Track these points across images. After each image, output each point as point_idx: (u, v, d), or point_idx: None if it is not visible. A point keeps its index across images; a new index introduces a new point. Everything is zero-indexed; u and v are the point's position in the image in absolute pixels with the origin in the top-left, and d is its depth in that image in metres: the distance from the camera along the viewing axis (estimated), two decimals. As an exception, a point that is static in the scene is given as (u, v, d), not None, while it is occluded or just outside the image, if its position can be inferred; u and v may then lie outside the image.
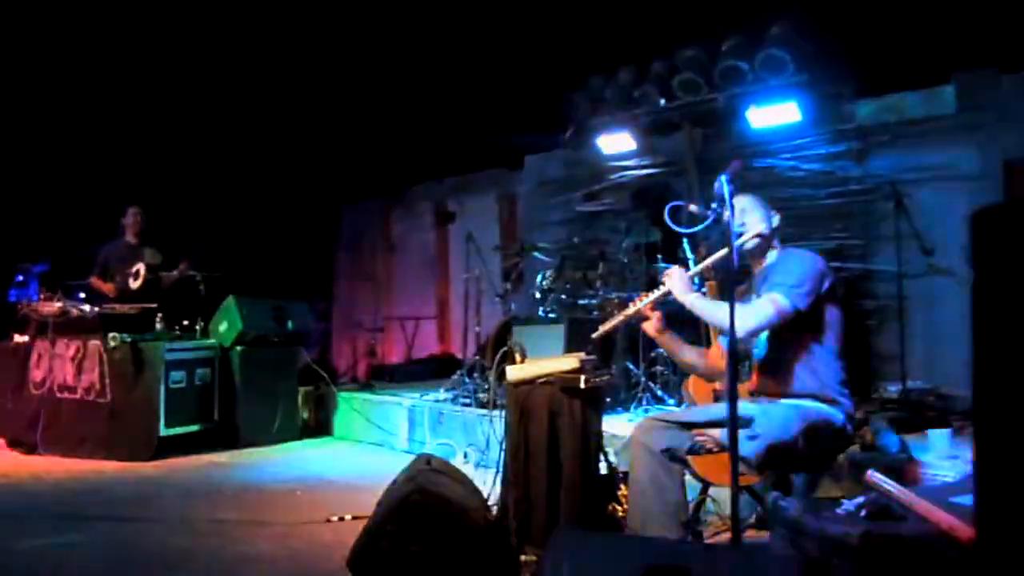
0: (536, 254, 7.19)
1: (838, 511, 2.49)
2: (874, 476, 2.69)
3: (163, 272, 7.26)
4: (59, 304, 6.65)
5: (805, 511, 2.53)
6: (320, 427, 7.65)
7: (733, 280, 2.80)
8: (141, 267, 7.22)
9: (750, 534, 3.56)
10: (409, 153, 10.04)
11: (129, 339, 6.37)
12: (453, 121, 9.07)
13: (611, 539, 2.82)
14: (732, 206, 2.74)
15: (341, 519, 4.41)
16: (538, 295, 6.72)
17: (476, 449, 5.84)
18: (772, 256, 3.34)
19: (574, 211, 8.86)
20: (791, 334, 3.18)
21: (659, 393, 6.05)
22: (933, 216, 6.17)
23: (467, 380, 6.81)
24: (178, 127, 9.27)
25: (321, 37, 8.80)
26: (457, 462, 5.42)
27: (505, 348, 4.36)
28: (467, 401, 6.53)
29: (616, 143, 8.00)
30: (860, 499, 2.52)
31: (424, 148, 9.79)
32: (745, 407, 2.98)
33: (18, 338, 6.88)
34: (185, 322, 7.15)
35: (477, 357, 6.91)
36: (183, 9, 8.08)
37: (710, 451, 3.09)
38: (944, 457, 4.01)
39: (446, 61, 8.61)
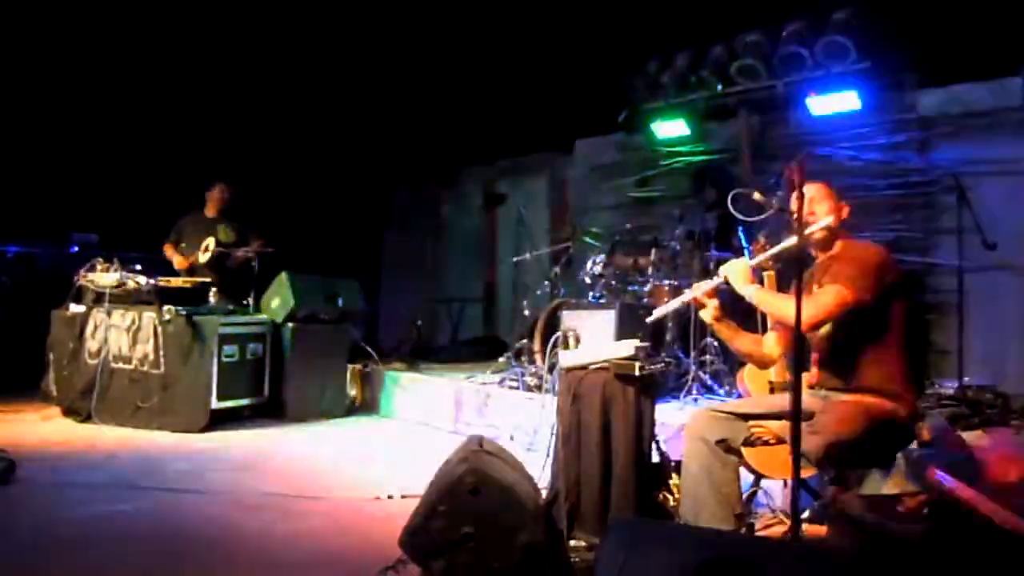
0: (587, 239, 7.15)
1: (899, 508, 2.45)
2: (936, 474, 2.64)
3: (233, 249, 7.35)
4: (115, 275, 6.75)
5: (865, 507, 2.49)
6: (367, 405, 7.70)
7: (802, 271, 2.75)
8: (211, 242, 7.34)
9: (804, 528, 3.52)
10: (460, 135, 10.03)
11: (184, 312, 6.46)
12: (506, 103, 9.04)
13: (668, 529, 2.80)
14: (803, 195, 2.68)
15: (390, 497, 4.45)
16: (588, 280, 6.68)
17: (523, 433, 5.84)
18: (837, 247, 3.28)
19: (626, 196, 8.80)
20: (854, 327, 3.12)
21: (709, 382, 6.00)
22: (996, 210, 6.02)
23: (514, 363, 6.81)
24: (236, 106, 9.35)
25: (376, 18, 8.81)
26: (504, 445, 5.42)
27: (558, 333, 4.34)
28: (514, 384, 6.53)
29: (671, 128, 7.92)
30: (921, 497, 2.47)
31: (476, 130, 9.77)
32: (806, 401, 2.93)
33: (74, 308, 7.00)
34: (239, 299, 7.24)
35: (525, 341, 6.89)
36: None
37: (767, 443, 3.06)
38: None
39: (501, 43, 8.57)
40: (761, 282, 3.50)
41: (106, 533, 3.84)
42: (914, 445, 3.82)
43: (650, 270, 6.47)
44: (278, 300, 6.99)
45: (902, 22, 6.51)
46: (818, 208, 3.21)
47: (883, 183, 6.83)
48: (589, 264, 6.72)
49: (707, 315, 3.39)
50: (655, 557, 2.22)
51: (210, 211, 7.64)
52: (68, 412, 6.77)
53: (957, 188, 5.86)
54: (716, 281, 3.30)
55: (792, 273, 2.71)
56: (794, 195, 2.71)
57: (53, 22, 8.29)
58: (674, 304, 3.48)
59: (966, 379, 5.59)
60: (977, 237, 5.76)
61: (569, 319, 5.48)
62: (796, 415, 2.50)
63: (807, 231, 3.03)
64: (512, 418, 6.12)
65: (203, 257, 7.35)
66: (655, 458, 3.88)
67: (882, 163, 6.86)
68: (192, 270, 7.40)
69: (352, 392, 7.73)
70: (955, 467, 3.53)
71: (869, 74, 6.58)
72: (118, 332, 6.66)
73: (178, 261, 7.47)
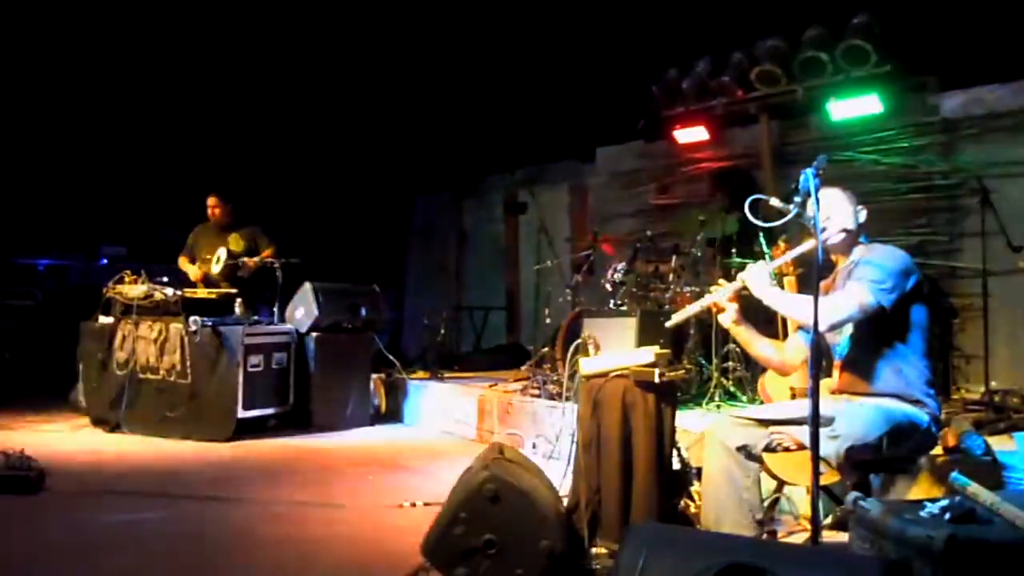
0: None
1: (921, 513, 2.43)
2: (958, 479, 2.62)
3: (245, 259, 7.40)
4: (143, 287, 6.83)
5: (886, 513, 2.48)
6: (391, 413, 7.73)
7: (819, 275, 2.75)
8: (222, 252, 7.39)
9: (827, 535, 3.50)
10: (482, 143, 10.07)
11: (210, 323, 6.52)
12: (527, 112, 9.07)
13: (688, 534, 2.80)
14: (818, 200, 2.68)
15: (413, 505, 4.47)
16: (609, 287, 6.68)
17: (545, 440, 5.85)
18: (857, 252, 3.27)
19: (647, 203, 8.79)
20: (875, 332, 3.11)
21: (731, 389, 5.98)
22: (1021, 212, 5.98)
23: (536, 371, 6.81)
24: (258, 116, 9.44)
25: (398, 27, 8.88)
26: (525, 452, 5.43)
27: (579, 340, 4.34)
28: (536, 392, 6.54)
29: (691, 135, 7.91)
30: (944, 502, 2.45)
31: (497, 139, 9.81)
32: (827, 406, 2.92)
33: (103, 319, 7.09)
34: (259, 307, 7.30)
35: (546, 348, 6.90)
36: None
37: (787, 449, 3.05)
38: (1032, 462, 3.89)
39: (522, 53, 8.61)
40: (781, 287, 3.49)
41: (133, 540, 3.90)
42: (938, 450, 3.80)
43: (671, 277, 6.46)
44: (302, 310, 7.05)
45: (923, 25, 6.48)
46: (834, 213, 3.20)
47: (906, 187, 6.80)
48: (610, 271, 6.72)
49: (726, 319, 3.39)
50: (675, 562, 2.22)
51: (215, 224, 7.67)
52: (97, 422, 6.85)
53: (981, 191, 5.82)
54: (735, 285, 3.30)
55: (817, 277, 2.71)
56: (811, 200, 2.71)
57: (87, 40, 8.42)
58: (693, 309, 3.48)
59: (992, 383, 5.55)
60: (1001, 240, 5.72)
61: (590, 326, 5.49)
62: (815, 420, 2.50)
63: (824, 235, 3.02)
64: (534, 426, 6.13)
65: (215, 268, 7.41)
66: (676, 465, 3.87)
67: (905, 167, 6.83)
68: (207, 281, 7.45)
69: (376, 401, 7.77)
70: (978, 472, 3.50)
71: (890, 77, 6.55)
72: (146, 343, 6.73)
73: (193, 272, 7.52)
